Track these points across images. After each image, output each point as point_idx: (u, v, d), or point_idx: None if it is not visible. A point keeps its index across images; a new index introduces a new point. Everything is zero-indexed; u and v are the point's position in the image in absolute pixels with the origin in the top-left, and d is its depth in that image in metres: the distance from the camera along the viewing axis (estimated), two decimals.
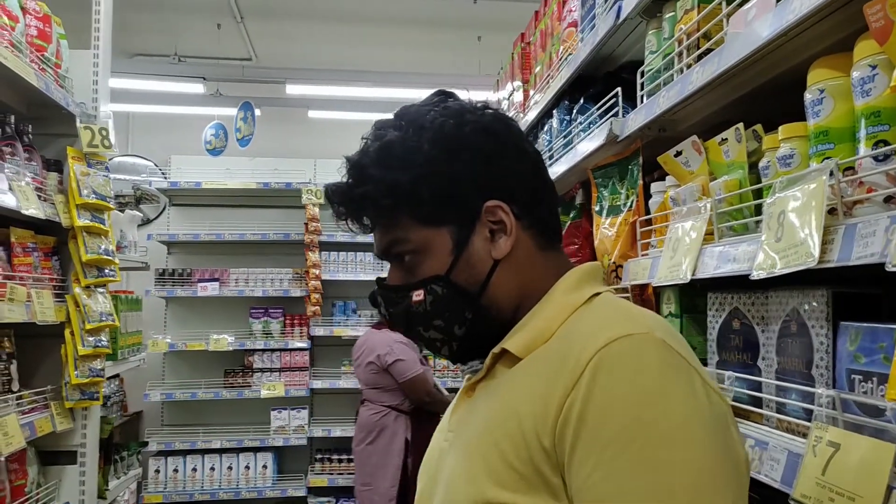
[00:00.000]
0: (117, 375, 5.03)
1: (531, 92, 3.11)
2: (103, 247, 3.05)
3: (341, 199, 1.02)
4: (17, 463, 2.58)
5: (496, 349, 0.99)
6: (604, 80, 2.31)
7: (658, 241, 1.77)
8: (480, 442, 0.91)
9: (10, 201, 2.39)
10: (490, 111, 1.06)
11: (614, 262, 1.99)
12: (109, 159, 3.22)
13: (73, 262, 2.93)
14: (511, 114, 2.89)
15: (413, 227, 1.00)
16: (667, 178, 1.78)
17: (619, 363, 0.82)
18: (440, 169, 0.98)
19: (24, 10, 2.73)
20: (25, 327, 2.58)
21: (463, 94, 1.09)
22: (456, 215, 1.00)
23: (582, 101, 2.41)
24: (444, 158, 0.99)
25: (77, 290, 2.91)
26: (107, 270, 3.11)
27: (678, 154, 1.64)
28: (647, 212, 1.93)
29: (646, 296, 1.87)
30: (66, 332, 2.85)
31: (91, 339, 2.93)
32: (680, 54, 1.65)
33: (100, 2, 3.26)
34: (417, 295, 1.00)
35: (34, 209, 2.54)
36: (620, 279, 1.94)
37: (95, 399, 2.96)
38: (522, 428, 0.86)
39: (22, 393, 2.60)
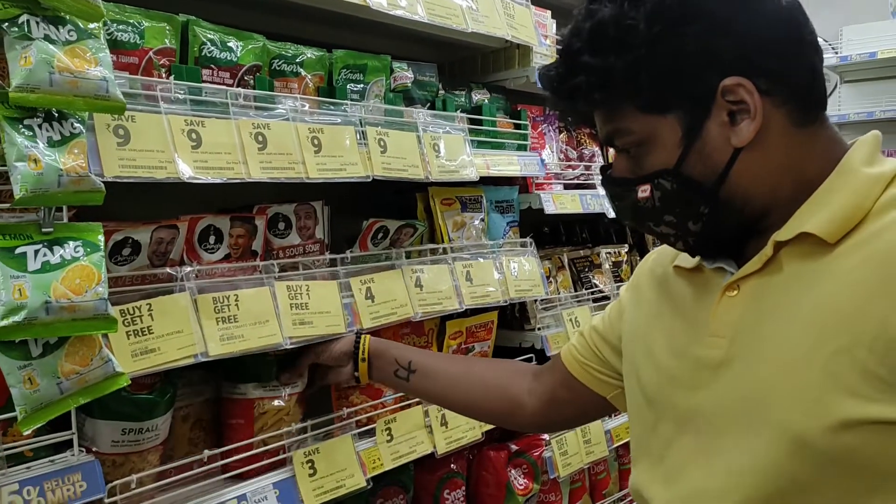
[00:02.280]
0: None
1: None
2: None
3: (554, 89, 0.94)
4: None
5: (782, 235, 0.86)
6: None
7: None
8: (813, 351, 0.79)
9: None
10: None
11: None
12: None
13: None
14: None
15: (635, 115, 0.89)
16: None
17: None
18: (662, 49, 0.86)
19: None
20: None
21: None
22: (684, 100, 0.87)
23: None
24: (667, 35, 0.85)
25: None
26: None
27: None
28: None
29: None
30: None
31: None
32: None
33: None
34: (644, 190, 0.91)
35: None
36: None
37: None
38: (885, 329, 0.75)
39: None
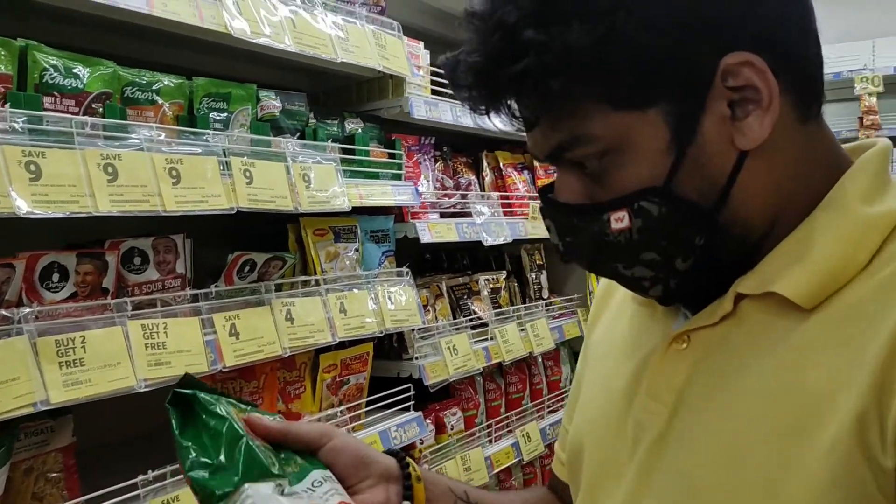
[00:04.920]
0: None
1: None
2: None
3: (480, 80, 0.67)
4: (552, 360, 2.91)
5: (746, 287, 0.67)
6: None
7: None
8: (769, 439, 0.60)
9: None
10: None
11: None
12: None
13: None
14: None
15: (602, 113, 0.64)
16: None
17: None
18: (643, 13, 0.62)
19: None
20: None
21: None
22: (673, 87, 0.64)
23: None
24: None
25: None
26: None
27: None
28: None
29: None
30: None
31: None
32: None
33: None
34: (618, 219, 0.66)
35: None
36: None
37: None
38: (853, 429, 0.56)
39: (552, 300, 2.90)
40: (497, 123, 0.71)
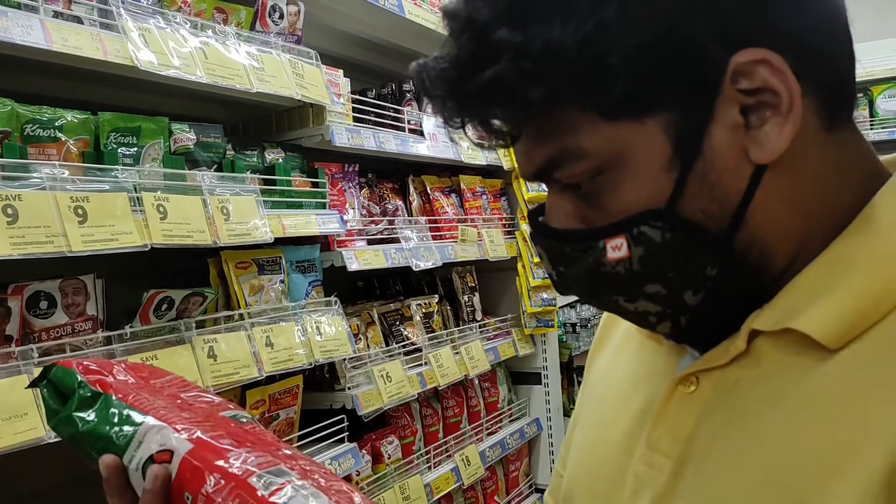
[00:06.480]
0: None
1: None
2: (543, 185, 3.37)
3: (450, 90, 0.58)
4: (488, 382, 2.92)
5: (761, 323, 0.58)
6: None
7: None
8: (783, 502, 0.53)
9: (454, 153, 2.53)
10: None
11: None
12: None
13: (518, 201, 3.10)
14: None
15: (592, 125, 0.56)
16: None
17: None
18: (639, 6, 0.53)
19: None
20: (486, 263, 2.84)
21: None
22: (674, 92, 0.55)
23: None
24: None
25: (524, 226, 3.05)
26: None
27: None
28: None
29: None
30: (518, 266, 3.05)
31: (540, 270, 3.06)
32: None
33: None
34: (616, 247, 0.57)
35: (478, 158, 2.72)
36: None
37: (550, 326, 3.14)
38: (882, 490, 0.48)
39: (486, 322, 2.92)
40: (473, 139, 0.62)
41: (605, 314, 0.83)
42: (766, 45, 0.54)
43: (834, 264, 0.56)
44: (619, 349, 0.78)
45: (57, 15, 1.36)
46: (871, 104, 4.54)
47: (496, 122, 0.59)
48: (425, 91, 0.60)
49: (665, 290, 0.59)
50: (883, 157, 0.63)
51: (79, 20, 1.39)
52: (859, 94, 4.56)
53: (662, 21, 0.53)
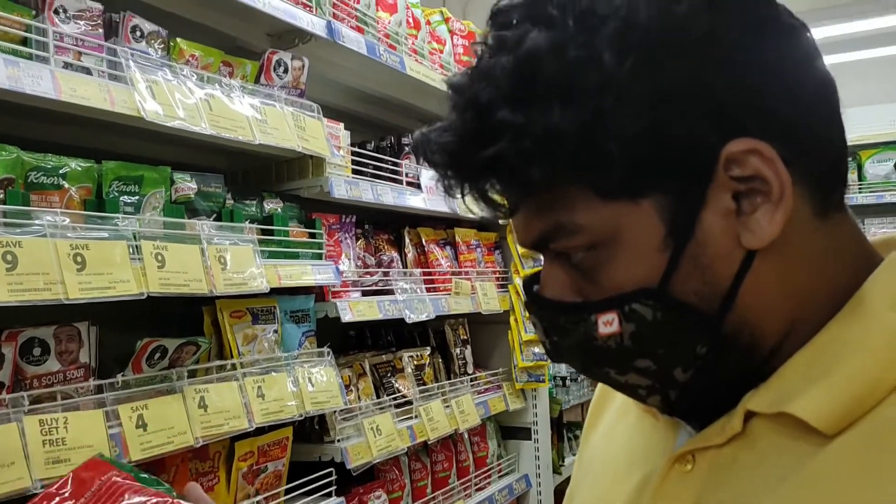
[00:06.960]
0: None
1: None
2: None
3: (452, 163, 0.60)
4: (478, 436, 2.88)
5: (757, 405, 0.59)
6: None
7: None
8: None
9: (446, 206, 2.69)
10: None
11: None
12: None
13: (512, 255, 3.12)
14: None
15: (588, 203, 0.58)
16: None
17: None
18: (636, 95, 0.54)
19: (451, 32, 2.85)
20: (478, 315, 2.83)
21: None
22: (669, 176, 0.56)
23: None
24: (644, 71, 0.54)
25: (517, 280, 3.07)
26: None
27: None
28: None
29: None
30: (511, 320, 3.05)
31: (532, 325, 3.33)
32: None
33: None
34: (607, 322, 0.59)
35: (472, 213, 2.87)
36: None
37: (541, 381, 3.13)
38: None
39: (477, 375, 2.90)
40: (474, 209, 0.64)
41: (600, 385, 0.84)
42: (758, 134, 0.56)
43: (828, 348, 0.57)
44: (616, 422, 0.79)
45: (67, 66, 1.38)
46: (860, 168, 4.66)
47: (495, 196, 0.62)
48: (428, 161, 0.62)
49: (655, 366, 0.60)
50: (872, 240, 0.65)
51: (88, 71, 1.42)
52: (848, 159, 4.68)
53: (659, 111, 0.55)
